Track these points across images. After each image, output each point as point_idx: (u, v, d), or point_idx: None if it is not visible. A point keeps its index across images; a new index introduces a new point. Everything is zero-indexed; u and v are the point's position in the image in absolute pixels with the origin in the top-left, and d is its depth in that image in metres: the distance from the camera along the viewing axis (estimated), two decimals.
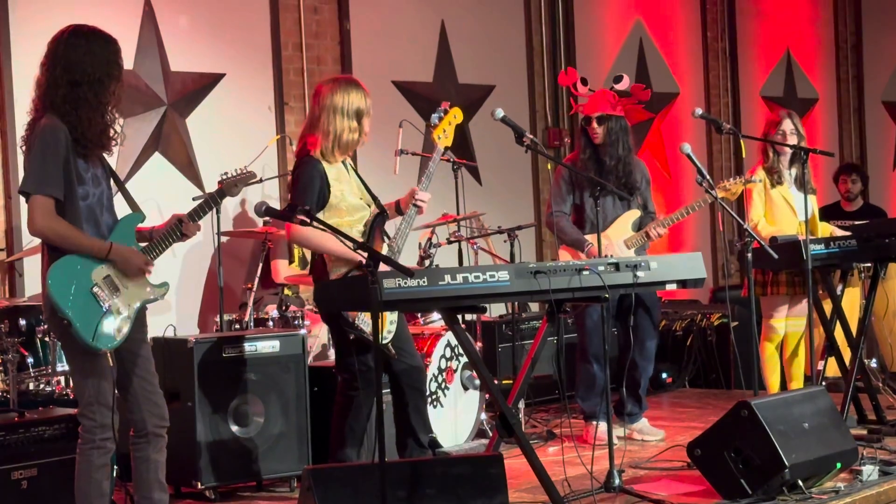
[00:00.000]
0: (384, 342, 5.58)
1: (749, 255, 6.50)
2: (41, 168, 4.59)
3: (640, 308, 6.93)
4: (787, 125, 7.33)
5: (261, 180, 7.77)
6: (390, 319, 5.60)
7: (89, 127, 4.66)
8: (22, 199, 4.77)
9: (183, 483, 6.07)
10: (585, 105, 7.09)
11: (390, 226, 5.77)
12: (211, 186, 7.55)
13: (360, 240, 5.49)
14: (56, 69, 4.67)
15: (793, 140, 7.29)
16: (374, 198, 5.74)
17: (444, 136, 5.88)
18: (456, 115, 5.96)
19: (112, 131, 4.76)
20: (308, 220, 4.69)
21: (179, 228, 4.87)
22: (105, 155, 4.83)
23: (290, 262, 7.72)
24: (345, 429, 5.62)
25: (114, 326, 4.69)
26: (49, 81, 4.68)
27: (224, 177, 5.17)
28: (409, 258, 6.42)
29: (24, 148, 4.72)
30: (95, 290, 4.66)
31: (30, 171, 4.63)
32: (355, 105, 5.63)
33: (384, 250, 5.65)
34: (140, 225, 4.91)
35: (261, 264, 7.31)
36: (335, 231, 4.78)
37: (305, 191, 5.53)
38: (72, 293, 4.60)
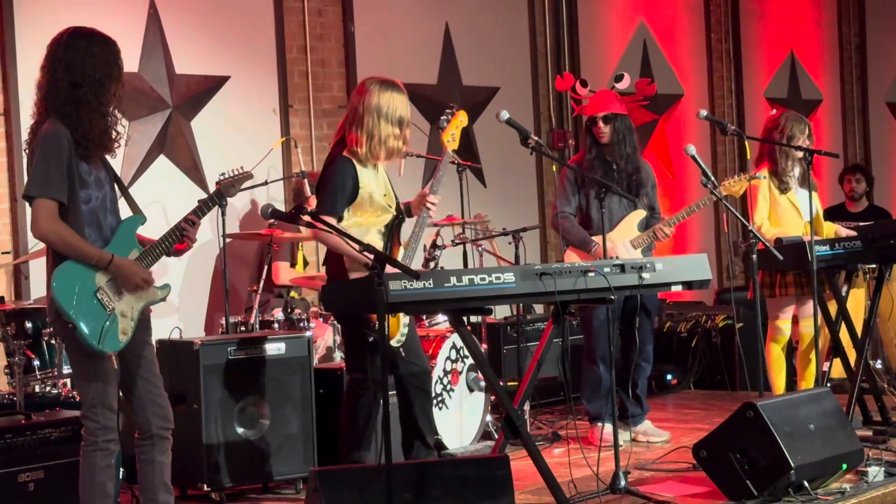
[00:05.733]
0: (396, 345, 5.59)
1: (754, 256, 6.50)
2: (44, 172, 4.59)
3: (642, 311, 6.93)
4: (797, 129, 7.23)
5: (266, 183, 7.78)
6: (404, 322, 5.60)
7: (90, 128, 4.65)
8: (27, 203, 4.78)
9: (189, 485, 6.07)
10: (588, 105, 7.08)
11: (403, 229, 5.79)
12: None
13: (380, 241, 5.51)
14: (56, 71, 4.66)
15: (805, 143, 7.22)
16: (397, 200, 5.74)
17: (453, 140, 5.87)
18: (462, 118, 5.96)
19: (114, 132, 4.75)
20: (315, 223, 4.70)
21: (181, 230, 4.85)
22: (108, 157, 4.83)
23: (293, 264, 7.71)
24: (356, 430, 5.61)
25: (119, 329, 4.69)
26: (50, 84, 4.67)
27: (221, 177, 5.18)
28: (414, 260, 6.41)
29: (27, 151, 4.73)
30: (99, 293, 4.66)
31: (33, 175, 4.63)
32: (399, 112, 5.58)
33: (400, 254, 5.65)
34: (140, 232, 4.90)
35: (266, 266, 7.32)
36: (341, 233, 4.79)
37: (335, 193, 5.50)
38: (76, 296, 4.60)
